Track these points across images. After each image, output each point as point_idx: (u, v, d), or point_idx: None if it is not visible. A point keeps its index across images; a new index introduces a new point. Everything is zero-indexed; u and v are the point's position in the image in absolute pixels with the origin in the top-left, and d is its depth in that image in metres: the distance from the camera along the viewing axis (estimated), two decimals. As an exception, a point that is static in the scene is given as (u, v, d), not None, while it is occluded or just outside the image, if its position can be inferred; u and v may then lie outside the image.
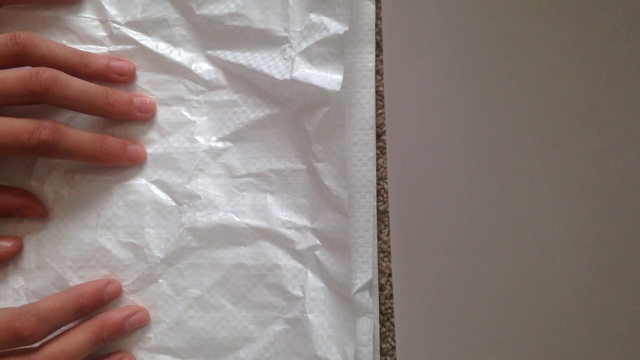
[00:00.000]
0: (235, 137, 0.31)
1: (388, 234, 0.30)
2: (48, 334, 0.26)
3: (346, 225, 0.28)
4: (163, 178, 0.31)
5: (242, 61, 0.30)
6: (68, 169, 0.31)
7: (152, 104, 0.31)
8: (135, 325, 0.29)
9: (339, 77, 0.28)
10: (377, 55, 0.31)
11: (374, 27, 0.31)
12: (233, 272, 0.30)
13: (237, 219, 0.30)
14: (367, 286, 0.29)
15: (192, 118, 0.31)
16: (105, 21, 0.32)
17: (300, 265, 0.30)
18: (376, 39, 0.31)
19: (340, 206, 0.28)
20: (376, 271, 0.30)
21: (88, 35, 0.32)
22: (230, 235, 0.30)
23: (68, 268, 0.30)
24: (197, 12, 0.31)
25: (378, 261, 0.30)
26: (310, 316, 0.29)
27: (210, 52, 0.31)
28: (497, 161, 0.25)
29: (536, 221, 0.24)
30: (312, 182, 0.30)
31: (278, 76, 0.29)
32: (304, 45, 0.29)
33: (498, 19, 0.26)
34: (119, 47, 0.32)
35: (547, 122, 0.24)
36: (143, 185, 0.31)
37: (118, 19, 0.32)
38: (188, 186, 0.31)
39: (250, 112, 0.31)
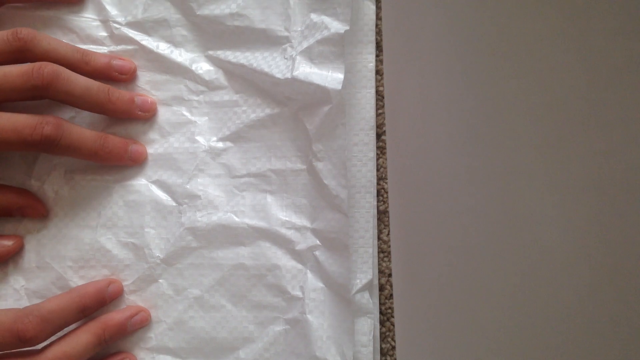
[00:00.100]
0: (236, 137, 0.31)
1: (388, 234, 0.30)
2: (51, 335, 0.26)
3: (346, 225, 0.28)
4: (163, 178, 0.31)
5: (243, 61, 0.30)
6: (68, 169, 0.31)
7: (153, 103, 0.31)
8: (137, 326, 0.29)
9: (340, 76, 0.28)
10: (377, 55, 0.31)
11: (374, 27, 0.31)
12: (233, 272, 0.30)
13: (237, 219, 0.30)
14: (367, 286, 0.29)
15: (193, 118, 0.31)
16: (106, 21, 0.32)
17: (299, 266, 0.30)
18: (376, 39, 0.31)
19: (339, 206, 0.28)
20: (376, 271, 0.30)
21: (89, 36, 0.32)
22: (230, 235, 0.30)
23: (68, 268, 0.30)
24: (198, 13, 0.31)
25: (378, 261, 0.30)
26: (309, 317, 0.29)
27: (210, 52, 0.31)
28: (497, 161, 0.25)
29: (536, 221, 0.24)
30: (312, 182, 0.30)
31: (279, 75, 0.29)
32: (305, 44, 0.29)
33: (498, 19, 0.26)
34: (120, 47, 0.32)
35: (547, 122, 0.24)
36: (143, 185, 0.31)
37: (119, 19, 0.32)
38: (188, 186, 0.31)
39: (251, 112, 0.31)
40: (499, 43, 0.26)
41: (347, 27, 0.28)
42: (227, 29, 0.31)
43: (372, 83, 0.30)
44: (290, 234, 0.30)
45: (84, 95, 0.28)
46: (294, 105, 0.30)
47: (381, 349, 0.29)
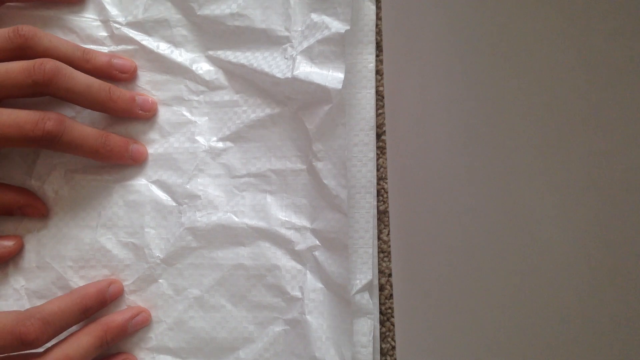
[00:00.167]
0: (236, 137, 0.31)
1: (388, 234, 0.30)
2: (53, 338, 0.26)
3: (345, 225, 0.28)
4: (163, 178, 0.31)
5: (243, 61, 0.30)
6: (68, 169, 0.31)
7: (154, 103, 0.31)
8: (138, 327, 0.29)
9: (340, 75, 0.28)
10: (377, 55, 0.31)
11: (374, 27, 0.31)
12: (232, 273, 0.30)
13: (236, 219, 0.30)
14: (367, 287, 0.29)
15: (193, 118, 0.31)
16: (106, 21, 0.32)
17: (299, 266, 0.30)
18: (376, 39, 0.31)
19: (339, 206, 0.28)
20: (376, 271, 0.30)
21: (89, 36, 0.32)
22: (229, 235, 0.30)
23: (69, 268, 0.30)
24: (199, 13, 0.31)
25: (378, 261, 0.30)
26: (309, 317, 0.29)
27: (211, 52, 0.31)
28: (497, 161, 0.25)
29: (536, 221, 0.24)
30: (312, 182, 0.30)
31: (279, 75, 0.29)
32: (305, 44, 0.29)
33: (498, 19, 0.26)
34: (120, 48, 0.32)
35: (547, 122, 0.24)
36: (143, 185, 0.31)
37: (119, 19, 0.32)
38: (188, 186, 0.31)
39: (251, 112, 0.31)
40: (499, 43, 0.26)
41: (348, 27, 0.28)
42: (228, 29, 0.31)
43: (372, 83, 0.30)
44: (290, 234, 0.30)
45: (85, 92, 0.28)
46: (294, 105, 0.30)
47: (381, 349, 0.29)
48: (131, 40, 0.32)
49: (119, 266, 0.30)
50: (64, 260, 0.30)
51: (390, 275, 0.30)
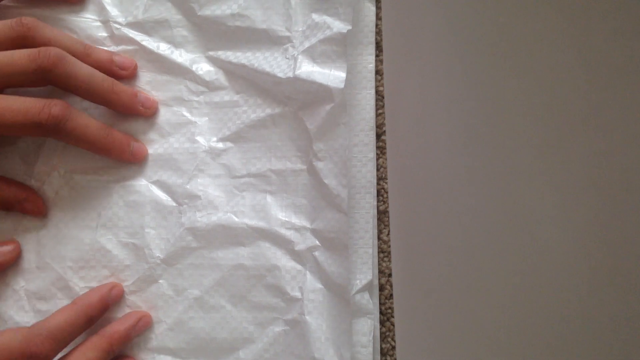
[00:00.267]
0: (236, 138, 0.31)
1: (388, 234, 0.30)
2: (60, 351, 0.26)
3: (345, 224, 0.28)
4: (163, 178, 0.31)
5: (244, 61, 0.30)
6: (68, 170, 0.31)
7: (155, 101, 0.31)
8: (140, 331, 0.29)
9: (342, 75, 0.28)
10: (377, 56, 0.31)
11: (374, 28, 0.31)
12: (232, 273, 0.30)
13: (236, 219, 0.30)
14: (367, 287, 0.29)
15: (193, 118, 0.31)
16: (106, 22, 0.32)
17: (299, 267, 0.30)
18: (376, 39, 0.31)
19: (340, 205, 0.28)
20: (376, 271, 0.30)
21: (89, 36, 0.32)
22: (229, 235, 0.30)
23: (68, 268, 0.30)
24: (199, 13, 0.31)
25: (378, 261, 0.30)
26: (308, 318, 0.29)
27: (211, 52, 0.31)
28: (497, 161, 0.25)
29: (536, 221, 0.24)
30: (312, 182, 0.30)
31: (281, 75, 0.29)
32: (307, 44, 0.29)
33: (498, 19, 0.26)
34: (120, 48, 0.32)
35: (547, 122, 0.24)
36: (143, 186, 0.31)
37: (119, 20, 0.32)
38: (188, 186, 0.31)
39: (251, 112, 0.31)
40: (499, 43, 0.26)
41: (350, 27, 0.28)
42: (228, 30, 0.31)
43: (372, 83, 0.31)
44: (289, 234, 0.30)
45: (89, 81, 0.28)
46: (294, 104, 0.30)
47: (381, 349, 0.29)
48: (131, 41, 0.32)
49: (119, 266, 0.30)
50: (63, 260, 0.30)
51: (390, 275, 0.30)
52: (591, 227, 0.22)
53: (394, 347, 0.29)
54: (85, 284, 0.30)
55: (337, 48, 0.29)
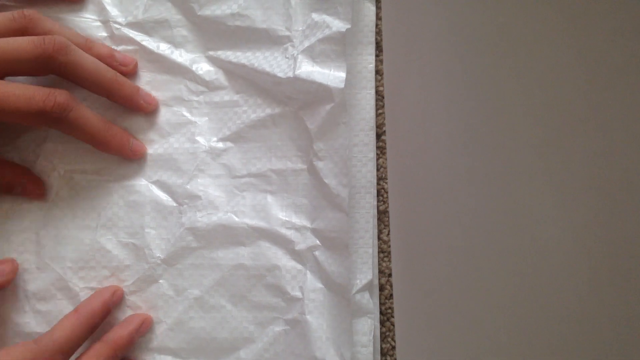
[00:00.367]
0: (236, 138, 0.31)
1: (388, 234, 0.30)
2: None
3: (346, 224, 0.28)
4: (163, 178, 0.31)
5: (244, 61, 0.30)
6: (68, 170, 0.31)
7: (155, 99, 0.31)
8: (143, 334, 0.29)
9: (342, 75, 0.28)
10: (377, 56, 0.31)
11: (374, 28, 0.31)
12: (233, 273, 0.30)
13: (237, 219, 0.30)
14: (367, 287, 0.29)
15: (193, 118, 0.31)
16: (106, 22, 0.32)
17: (299, 266, 0.30)
18: (376, 39, 0.31)
19: (340, 205, 0.28)
20: (376, 271, 0.30)
21: (89, 36, 0.32)
22: (230, 235, 0.30)
23: (68, 269, 0.30)
24: (199, 13, 0.31)
25: (378, 261, 0.30)
26: (309, 317, 0.29)
27: (211, 52, 0.31)
28: (497, 161, 0.25)
29: (536, 221, 0.24)
30: (313, 181, 0.30)
31: (281, 74, 0.29)
32: (306, 43, 0.29)
33: (498, 19, 0.26)
34: (120, 48, 0.32)
35: (547, 122, 0.24)
36: (143, 186, 0.31)
37: (119, 20, 0.32)
38: (188, 186, 0.31)
39: (251, 112, 0.31)
40: (499, 43, 0.26)
41: (349, 26, 0.28)
42: (228, 29, 0.31)
43: (372, 84, 0.31)
44: (290, 234, 0.30)
45: (93, 70, 0.28)
46: (294, 104, 0.30)
47: (381, 349, 0.29)
48: (131, 41, 0.32)
49: (119, 267, 0.30)
50: (63, 261, 0.30)
51: (390, 275, 0.30)
52: (591, 227, 0.22)
53: (394, 347, 0.29)
54: (85, 284, 0.30)
55: (336, 47, 0.29)
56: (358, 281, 0.29)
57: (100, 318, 0.28)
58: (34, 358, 0.25)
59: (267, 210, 0.30)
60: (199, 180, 0.31)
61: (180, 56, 0.32)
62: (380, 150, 0.31)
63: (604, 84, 0.22)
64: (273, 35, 0.30)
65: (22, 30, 0.27)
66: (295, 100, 0.30)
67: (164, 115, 0.31)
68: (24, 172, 0.30)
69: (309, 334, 0.28)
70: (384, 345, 0.29)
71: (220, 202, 0.30)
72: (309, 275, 0.29)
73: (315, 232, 0.29)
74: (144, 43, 0.32)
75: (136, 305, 0.30)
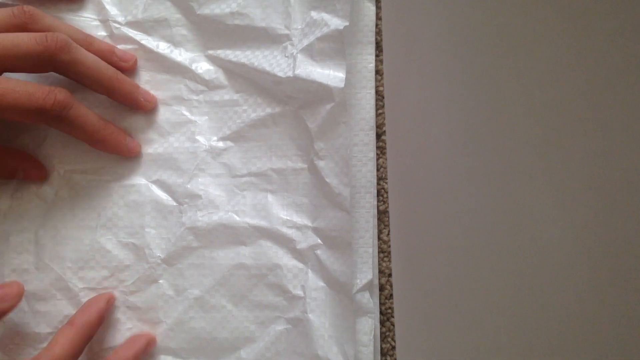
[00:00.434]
0: (236, 137, 0.31)
1: (388, 234, 0.30)
2: None
3: (347, 223, 0.28)
4: (163, 178, 0.31)
5: (244, 60, 0.30)
6: (68, 170, 0.31)
7: (155, 97, 0.31)
8: (147, 354, 0.29)
9: (341, 74, 0.28)
10: (377, 56, 0.31)
11: (374, 28, 0.31)
12: (233, 272, 0.30)
13: (237, 218, 0.30)
14: (367, 287, 0.29)
15: (193, 118, 0.31)
16: (105, 21, 0.32)
17: (301, 265, 0.30)
18: (376, 39, 0.31)
19: (341, 203, 0.28)
20: (376, 271, 0.30)
21: (88, 35, 0.32)
22: (230, 234, 0.30)
23: (68, 269, 0.30)
24: (198, 12, 0.31)
25: (378, 261, 0.30)
26: (311, 316, 0.29)
27: (210, 51, 0.31)
28: (497, 161, 0.26)
29: (536, 221, 0.24)
30: (313, 180, 0.30)
31: (280, 74, 0.29)
32: (305, 42, 0.29)
33: (498, 19, 0.26)
34: (120, 47, 0.32)
35: (547, 122, 0.24)
36: (143, 185, 0.31)
37: (119, 19, 0.32)
38: (189, 186, 0.31)
39: (251, 111, 0.31)
40: (498, 43, 0.26)
41: (347, 23, 0.28)
42: (228, 28, 0.31)
43: (372, 83, 0.31)
44: (291, 233, 0.30)
45: (94, 67, 0.28)
46: (294, 103, 0.30)
47: (381, 349, 0.29)
48: (130, 40, 0.31)
49: (119, 267, 0.30)
50: (63, 261, 0.30)
51: (390, 275, 0.30)
52: (591, 227, 0.22)
53: (394, 347, 0.29)
54: (84, 284, 0.30)
55: (334, 45, 0.29)
56: (358, 281, 0.29)
57: (96, 327, 0.28)
58: None
59: (267, 209, 0.30)
60: (199, 180, 0.31)
61: (180, 55, 0.32)
62: (380, 150, 0.31)
63: (604, 84, 0.22)
64: (272, 33, 0.30)
65: (22, 26, 0.27)
66: (295, 99, 0.30)
67: (164, 114, 0.31)
68: (25, 158, 0.30)
69: (311, 332, 0.28)
70: (384, 345, 0.29)
71: (221, 201, 0.30)
72: (310, 274, 0.29)
73: (316, 231, 0.29)
74: (143, 42, 0.31)
75: (136, 305, 0.30)
